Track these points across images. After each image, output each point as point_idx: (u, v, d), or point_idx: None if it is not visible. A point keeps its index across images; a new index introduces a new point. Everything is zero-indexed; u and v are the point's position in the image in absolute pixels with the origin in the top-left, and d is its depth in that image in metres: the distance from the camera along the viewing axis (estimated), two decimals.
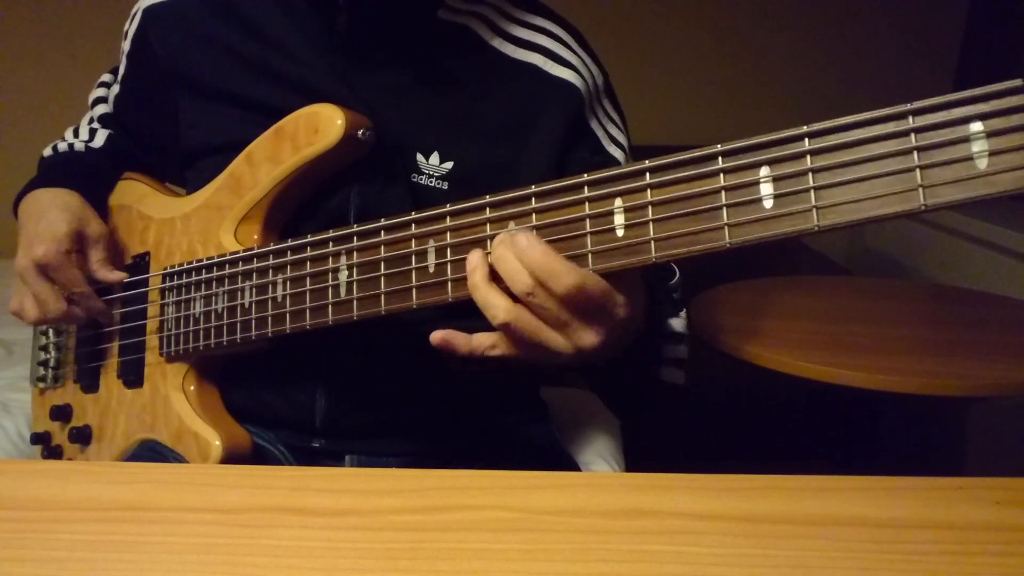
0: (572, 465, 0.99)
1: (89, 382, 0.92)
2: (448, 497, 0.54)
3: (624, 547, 0.48)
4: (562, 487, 0.55)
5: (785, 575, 0.46)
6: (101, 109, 0.99)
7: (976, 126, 0.43)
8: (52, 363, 0.96)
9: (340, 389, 0.83)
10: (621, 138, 0.84)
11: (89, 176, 0.91)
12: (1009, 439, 1.86)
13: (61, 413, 0.94)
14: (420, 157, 0.78)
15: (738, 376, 1.47)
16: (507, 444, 0.92)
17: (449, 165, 0.78)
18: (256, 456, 0.83)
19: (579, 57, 0.82)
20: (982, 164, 0.43)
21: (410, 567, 0.47)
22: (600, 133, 0.82)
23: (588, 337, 0.57)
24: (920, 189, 0.45)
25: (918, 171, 0.45)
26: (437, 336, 0.60)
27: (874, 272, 2.34)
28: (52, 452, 0.95)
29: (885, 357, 1.32)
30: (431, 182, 0.78)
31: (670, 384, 0.78)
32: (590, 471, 1.12)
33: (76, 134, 0.98)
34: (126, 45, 0.91)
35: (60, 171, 0.91)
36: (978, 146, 0.43)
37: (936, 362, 1.32)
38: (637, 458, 1.26)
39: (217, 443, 0.79)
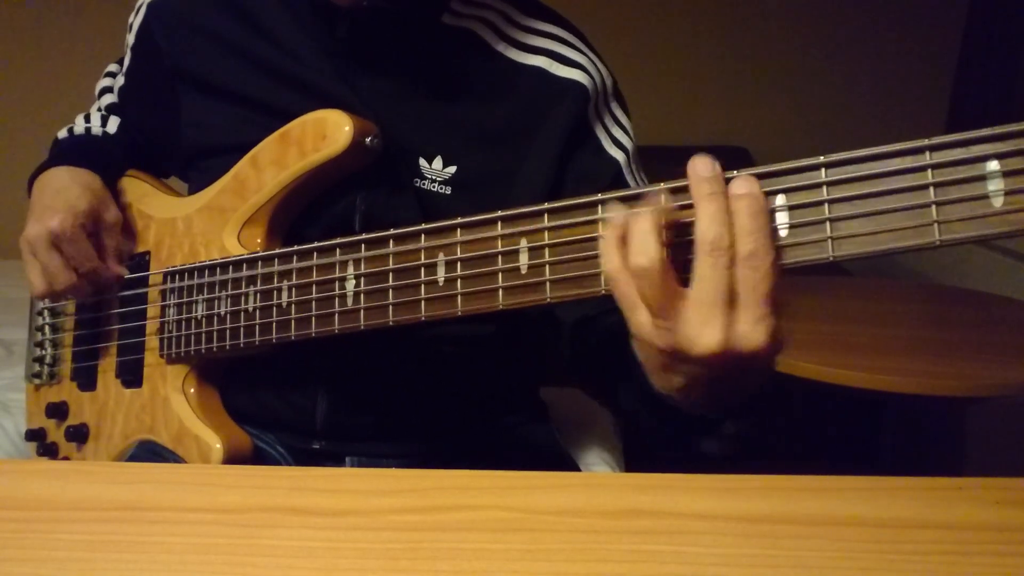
0: (572, 465, 0.99)
1: (86, 380, 0.91)
2: (448, 497, 0.54)
3: (624, 547, 0.48)
4: (562, 487, 0.55)
5: (785, 575, 0.46)
6: (108, 99, 0.98)
7: (993, 164, 0.44)
8: (48, 359, 0.96)
9: (341, 391, 0.83)
10: (624, 140, 0.82)
11: (108, 163, 0.91)
12: (1009, 439, 1.86)
13: (57, 411, 0.93)
14: (423, 162, 0.78)
15: None
16: (507, 444, 0.92)
17: (452, 170, 0.78)
18: (255, 457, 0.83)
19: (587, 57, 0.81)
20: (998, 202, 0.44)
21: (410, 567, 0.47)
22: (602, 135, 0.81)
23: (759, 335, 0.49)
24: (936, 224, 0.45)
25: (934, 207, 0.45)
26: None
27: (874, 272, 2.34)
28: (47, 449, 0.95)
29: (885, 357, 1.32)
30: (434, 187, 0.78)
31: (700, 451, 0.74)
32: (590, 471, 1.12)
33: (88, 120, 0.97)
34: (130, 38, 0.91)
35: (80, 152, 0.90)
36: (994, 184, 0.44)
37: (936, 362, 1.32)
38: (637, 458, 1.26)
39: (218, 446, 0.79)
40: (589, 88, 0.79)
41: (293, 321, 0.71)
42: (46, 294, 0.84)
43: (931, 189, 0.45)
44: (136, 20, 0.89)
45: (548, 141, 0.79)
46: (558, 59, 0.79)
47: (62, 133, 0.96)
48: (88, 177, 0.86)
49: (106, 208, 0.85)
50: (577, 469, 1.01)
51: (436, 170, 0.78)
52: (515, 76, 0.79)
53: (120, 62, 0.98)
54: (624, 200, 0.55)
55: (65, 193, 0.82)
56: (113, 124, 0.96)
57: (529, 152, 0.79)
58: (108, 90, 0.98)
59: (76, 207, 0.81)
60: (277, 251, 0.72)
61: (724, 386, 0.53)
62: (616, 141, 0.82)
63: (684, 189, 0.53)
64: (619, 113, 0.83)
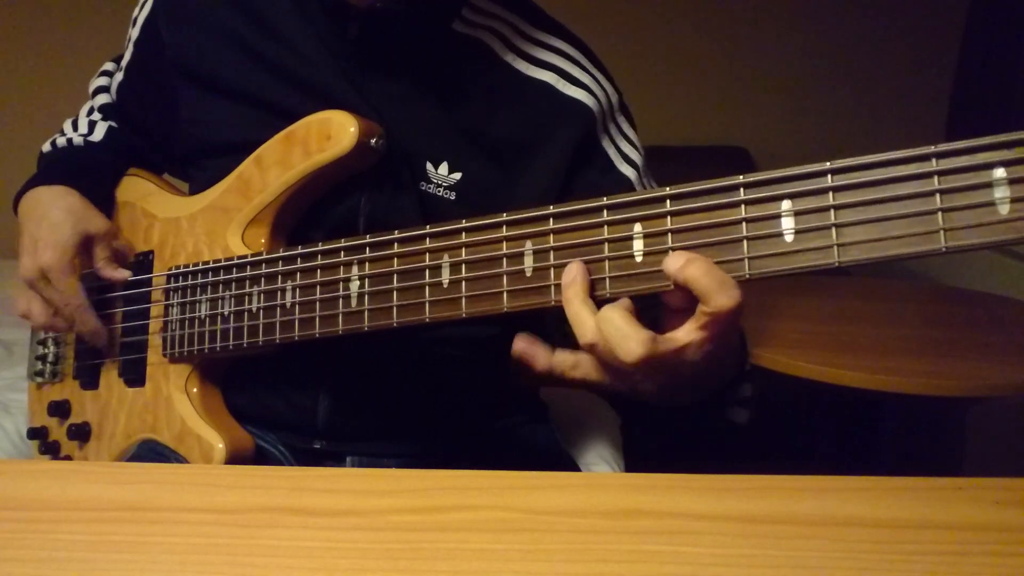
0: (572, 466, 0.99)
1: (88, 379, 0.91)
2: (448, 497, 0.54)
3: (624, 547, 0.48)
4: (562, 487, 0.55)
5: (784, 575, 0.47)
6: (103, 99, 0.97)
7: (999, 172, 0.44)
8: (50, 358, 0.96)
9: (343, 391, 0.83)
10: (634, 156, 0.82)
11: (89, 172, 0.90)
12: (1009, 439, 1.86)
13: (59, 409, 0.93)
14: (429, 166, 0.78)
15: None
16: (507, 445, 0.92)
17: (457, 176, 0.78)
18: (257, 457, 0.83)
19: (592, 77, 0.80)
20: (1004, 210, 0.44)
21: (410, 567, 0.47)
22: (611, 151, 0.81)
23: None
24: (942, 232, 0.45)
25: (940, 214, 0.45)
26: (519, 346, 0.58)
27: (874, 272, 2.34)
28: (49, 448, 0.95)
29: (885, 357, 1.33)
30: (439, 192, 0.78)
31: (732, 423, 0.76)
32: (590, 471, 1.12)
33: (75, 127, 0.96)
34: (134, 32, 0.90)
35: (59, 168, 0.90)
36: (1000, 192, 0.44)
37: (936, 362, 1.32)
38: (637, 458, 1.26)
39: (220, 446, 0.79)
40: (595, 110, 0.79)
41: (297, 322, 0.71)
42: (48, 326, 0.85)
43: (937, 196, 0.45)
44: (142, 14, 0.89)
45: (551, 158, 0.78)
46: (565, 77, 0.79)
47: (46, 147, 0.95)
48: (67, 196, 0.85)
49: (89, 223, 0.84)
50: (577, 469, 1.01)
51: (442, 175, 0.78)
52: (522, 89, 0.79)
53: (117, 60, 0.97)
54: (629, 204, 0.55)
55: (48, 221, 0.82)
56: (100, 131, 0.95)
57: (531, 167, 0.79)
58: (104, 89, 0.98)
59: (61, 239, 0.81)
60: (281, 253, 0.72)
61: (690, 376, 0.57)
62: (626, 157, 0.82)
63: (686, 195, 0.53)
64: (626, 127, 0.83)
